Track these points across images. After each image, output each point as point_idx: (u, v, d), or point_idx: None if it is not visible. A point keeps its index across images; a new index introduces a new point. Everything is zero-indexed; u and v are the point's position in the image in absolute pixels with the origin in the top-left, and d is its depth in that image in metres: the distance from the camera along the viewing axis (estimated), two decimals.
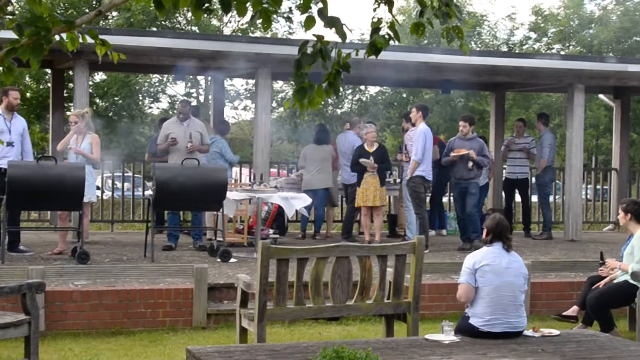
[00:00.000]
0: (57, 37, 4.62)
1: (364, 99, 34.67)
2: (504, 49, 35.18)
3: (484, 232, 6.96)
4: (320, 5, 4.27)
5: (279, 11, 27.45)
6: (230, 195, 11.81)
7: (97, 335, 8.65)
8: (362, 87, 33.26)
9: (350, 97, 34.86)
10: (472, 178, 13.27)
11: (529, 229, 15.98)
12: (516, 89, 19.40)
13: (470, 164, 13.09)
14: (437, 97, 31.34)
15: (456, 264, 9.13)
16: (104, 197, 17.09)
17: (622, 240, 9.42)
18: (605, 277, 8.84)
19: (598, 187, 19.18)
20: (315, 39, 4.42)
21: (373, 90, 34.06)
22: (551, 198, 16.29)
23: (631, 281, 8.52)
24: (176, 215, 12.94)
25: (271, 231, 13.43)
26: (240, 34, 28.92)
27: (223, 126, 14.47)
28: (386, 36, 4.48)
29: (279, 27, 33.01)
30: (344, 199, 15.25)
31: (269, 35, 28.97)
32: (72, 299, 8.81)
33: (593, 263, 9.71)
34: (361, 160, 13.22)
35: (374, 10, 4.44)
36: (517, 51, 33.20)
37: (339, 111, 35.22)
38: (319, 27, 4.46)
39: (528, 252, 12.84)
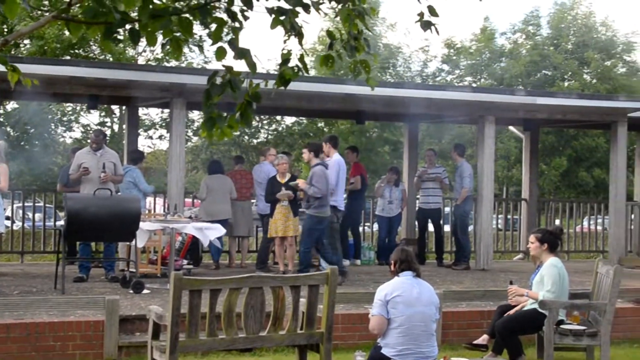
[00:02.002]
0: None
1: (280, 129, 34.79)
2: (418, 80, 35.72)
3: (391, 264, 7.03)
4: (231, 35, 4.30)
5: (192, 40, 27.41)
6: (144, 225, 11.69)
7: None
8: (278, 117, 33.38)
9: (266, 127, 34.94)
10: (309, 209, 12.69)
11: (441, 258, 16.17)
12: (429, 120, 19.68)
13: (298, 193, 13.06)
14: (352, 128, 31.61)
15: (369, 294, 9.17)
16: (14, 228, 16.74)
17: (532, 269, 9.59)
18: (515, 306, 9.00)
19: (509, 217, 19.53)
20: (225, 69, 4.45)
21: (289, 120, 34.22)
22: (470, 228, 16.48)
23: (539, 309, 8.68)
24: (88, 246, 12.75)
25: (185, 262, 13.33)
26: (155, 64, 28.76)
27: (136, 155, 14.35)
28: (295, 68, 4.53)
29: (195, 57, 32.93)
30: (260, 229, 15.26)
31: (184, 65, 28.89)
32: None
33: (503, 292, 9.86)
34: (278, 195, 13.25)
35: (284, 42, 4.49)
36: (430, 83, 33.75)
37: (255, 141, 35.25)
38: (231, 58, 4.48)
39: (440, 281, 12.99)
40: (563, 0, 38.63)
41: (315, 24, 38.28)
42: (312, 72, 29.24)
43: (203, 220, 13.10)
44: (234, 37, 4.23)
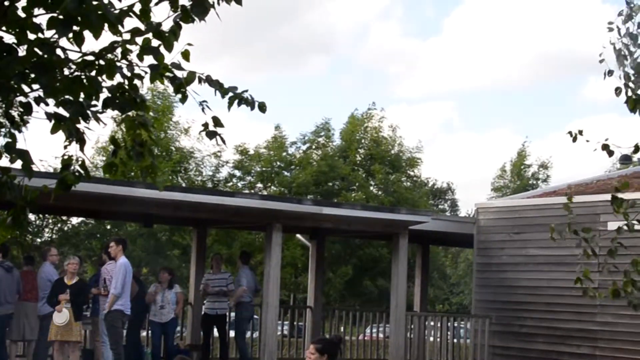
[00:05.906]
0: None
1: (65, 228, 33.81)
2: (209, 185, 35.81)
3: None
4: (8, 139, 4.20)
5: None
6: None
7: None
8: (64, 217, 32.49)
9: (51, 226, 33.89)
10: None
11: None
12: (218, 225, 19.73)
13: None
14: (140, 230, 31.17)
15: None
16: None
17: None
18: None
19: (294, 323, 19.69)
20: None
21: (75, 219, 33.36)
22: (248, 334, 16.49)
23: None
24: None
25: None
26: None
27: None
28: (76, 173, 4.45)
29: None
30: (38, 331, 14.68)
31: None
32: None
33: None
34: (61, 297, 12.93)
35: (65, 147, 4.42)
36: (222, 188, 33.95)
37: (39, 240, 34.06)
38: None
39: None
40: (357, 114, 40.10)
41: (109, 127, 37.89)
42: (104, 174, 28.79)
43: None
44: (10, 140, 4.12)
